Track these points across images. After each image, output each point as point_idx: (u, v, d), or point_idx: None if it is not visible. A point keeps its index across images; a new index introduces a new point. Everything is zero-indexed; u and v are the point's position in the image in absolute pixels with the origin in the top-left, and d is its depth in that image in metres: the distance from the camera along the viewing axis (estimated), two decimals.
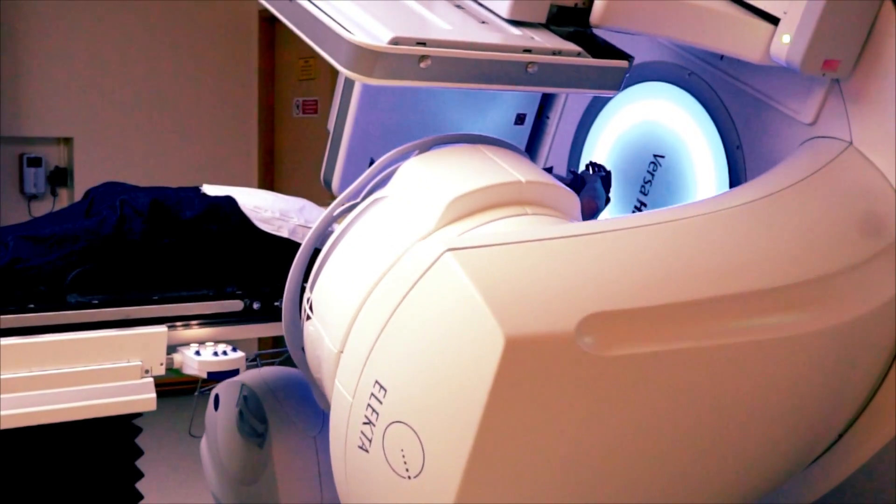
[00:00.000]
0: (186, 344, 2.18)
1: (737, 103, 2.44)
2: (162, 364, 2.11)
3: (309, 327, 2.08)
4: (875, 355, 2.08)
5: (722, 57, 2.43)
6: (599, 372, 1.66)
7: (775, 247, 1.98)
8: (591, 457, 1.71)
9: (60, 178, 5.69)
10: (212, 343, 2.17)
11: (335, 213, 2.13)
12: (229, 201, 2.44)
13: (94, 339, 2.05)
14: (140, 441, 2.35)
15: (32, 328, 2.04)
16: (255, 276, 2.41)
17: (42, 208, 5.51)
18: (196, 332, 2.24)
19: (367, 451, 1.74)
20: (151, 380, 2.07)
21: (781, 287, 1.88)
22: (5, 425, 1.91)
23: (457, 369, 1.61)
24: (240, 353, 2.15)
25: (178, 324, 2.21)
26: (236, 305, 2.29)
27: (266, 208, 2.47)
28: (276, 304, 2.33)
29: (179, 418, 5.06)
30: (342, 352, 1.87)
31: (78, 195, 5.37)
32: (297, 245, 2.32)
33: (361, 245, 2.04)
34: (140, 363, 2.07)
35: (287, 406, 2.58)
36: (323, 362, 2.01)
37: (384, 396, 1.71)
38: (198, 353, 2.13)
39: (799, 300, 1.90)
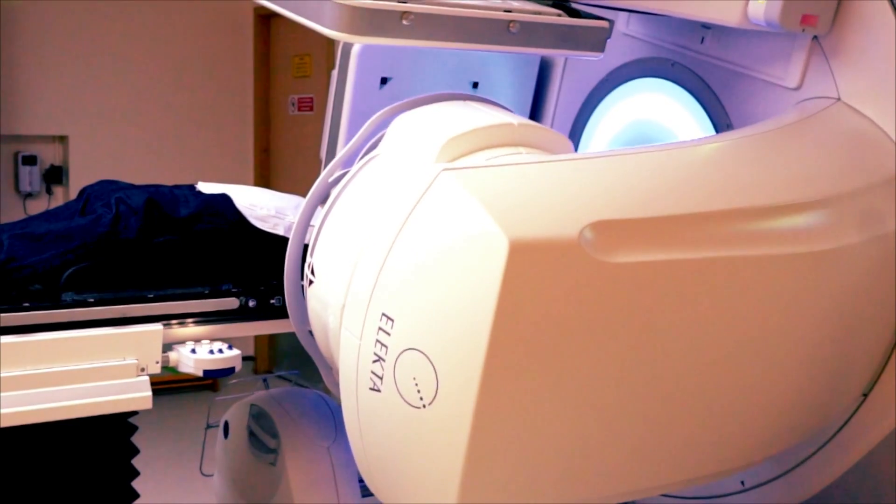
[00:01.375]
0: (182, 342, 2.17)
1: (721, 83, 2.45)
2: (158, 362, 2.10)
3: (312, 294, 2.07)
4: (881, 296, 2.07)
5: (703, 40, 2.44)
6: (606, 278, 1.64)
7: (775, 170, 2.01)
8: (604, 368, 1.69)
9: (55, 176, 5.68)
10: (207, 341, 2.17)
11: (330, 180, 2.14)
12: (225, 199, 2.44)
13: (89, 338, 2.05)
14: (136, 439, 2.35)
15: (27, 327, 2.03)
16: (250, 274, 2.41)
17: (37, 206, 5.50)
18: (192, 330, 2.23)
19: (378, 390, 1.72)
20: (147, 378, 2.07)
21: (783, 205, 1.89)
22: (1, 423, 1.91)
23: (462, 283, 1.59)
24: (236, 351, 2.15)
25: (174, 322, 2.20)
26: (232, 303, 2.29)
27: (262, 206, 2.47)
28: (271, 301, 2.33)
29: (175, 416, 5.08)
30: (346, 305, 1.86)
31: (73, 193, 5.36)
32: None
33: (358, 201, 2.05)
34: (136, 361, 2.06)
35: (298, 419, 2.54)
36: (329, 327, 1.99)
37: (392, 327, 1.69)
38: (193, 350, 2.13)
39: (802, 219, 1.91)
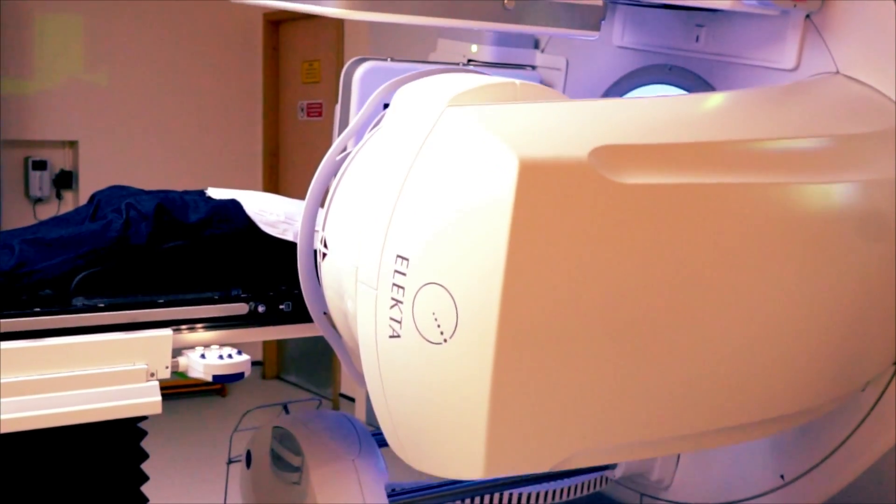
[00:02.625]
0: (192, 347, 2.17)
1: (720, 77, 2.47)
2: (167, 367, 2.10)
3: (326, 269, 2.08)
4: (883, 246, 2.08)
5: (697, 38, 2.46)
6: (618, 199, 1.64)
7: (779, 112, 2.05)
8: (619, 289, 1.69)
9: (65, 181, 5.69)
10: (217, 346, 2.17)
11: (337, 158, 2.18)
12: (234, 205, 2.44)
13: (99, 343, 2.06)
14: (145, 444, 2.35)
15: (38, 332, 2.04)
16: (260, 280, 2.41)
17: (47, 212, 5.51)
18: (201, 335, 2.24)
19: (398, 336, 1.71)
20: (157, 383, 2.07)
21: (787, 137, 1.93)
22: (11, 428, 1.91)
23: (475, 208, 1.59)
24: (245, 357, 2.15)
25: (184, 327, 2.21)
26: (241, 308, 2.29)
27: (271, 211, 2.47)
28: (281, 307, 2.33)
29: (185, 421, 5.08)
30: (360, 260, 1.86)
31: (83, 199, 5.37)
32: None
33: (365, 168, 2.06)
34: (145, 366, 2.07)
35: (322, 435, 2.49)
36: (345, 293, 1.99)
37: (407, 267, 1.68)
38: (203, 356, 2.13)
39: (805, 151, 1.94)
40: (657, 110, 1.91)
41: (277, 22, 6.04)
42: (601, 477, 2.70)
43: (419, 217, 1.70)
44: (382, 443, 2.31)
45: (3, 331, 1.99)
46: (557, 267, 1.61)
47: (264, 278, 2.42)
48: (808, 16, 2.23)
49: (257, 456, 2.62)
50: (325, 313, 2.25)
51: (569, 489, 2.65)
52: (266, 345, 6.12)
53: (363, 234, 1.87)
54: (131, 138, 5.83)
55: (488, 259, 1.55)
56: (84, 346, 2.04)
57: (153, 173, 5.59)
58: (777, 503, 2.40)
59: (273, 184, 6.23)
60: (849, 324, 2.04)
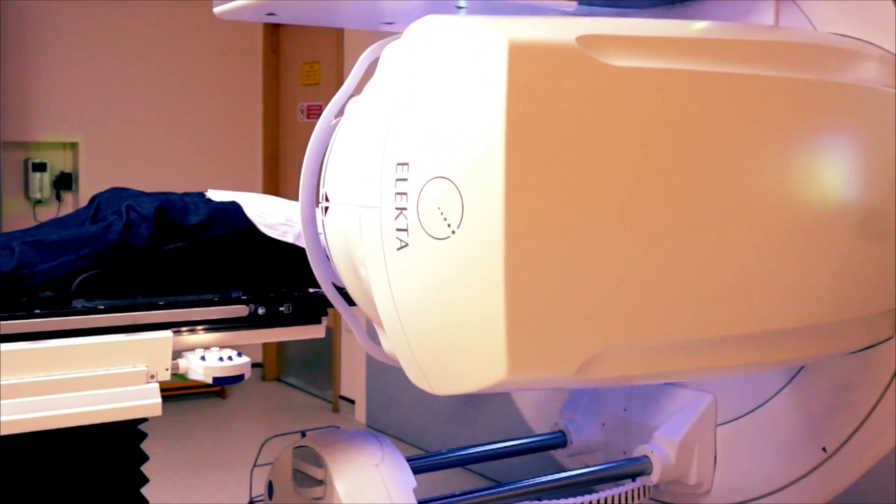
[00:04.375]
0: (192, 349, 2.18)
1: None
2: (167, 369, 2.11)
3: (330, 222, 2.09)
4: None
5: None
6: (609, 80, 1.66)
7: (764, 32, 2.12)
8: (619, 173, 1.70)
9: (65, 183, 5.69)
10: (217, 348, 2.17)
11: (332, 122, 2.21)
12: (235, 207, 2.44)
13: (99, 345, 2.06)
14: (145, 446, 2.35)
15: (38, 333, 2.04)
16: (260, 281, 2.41)
17: (47, 213, 5.51)
18: (201, 337, 2.24)
19: (406, 244, 1.72)
20: (157, 385, 2.07)
21: (774, 40, 2.00)
22: (12, 430, 1.91)
23: (468, 96, 1.61)
24: (245, 359, 2.15)
25: (184, 329, 2.21)
26: (241, 310, 2.29)
27: (271, 213, 2.47)
28: (281, 308, 2.33)
29: (184, 423, 5.08)
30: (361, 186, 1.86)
31: (83, 200, 5.38)
32: (303, 250, 2.32)
33: (359, 120, 2.07)
34: (145, 368, 2.07)
35: (343, 445, 2.42)
36: (351, 236, 1.99)
37: (408, 171, 1.70)
38: (203, 358, 2.13)
39: (790, 51, 1.99)
40: (643, 23, 1.96)
41: (277, 24, 6.04)
42: (641, 487, 2.62)
43: (415, 120, 1.72)
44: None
45: (3, 332, 1.99)
46: (556, 146, 1.63)
47: (264, 280, 2.42)
48: None
49: (279, 483, 2.54)
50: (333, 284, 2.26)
51: (606, 500, 2.58)
52: (266, 346, 6.12)
53: (361, 165, 1.88)
54: (131, 140, 5.83)
55: (487, 141, 1.57)
56: (84, 348, 2.04)
57: (153, 175, 5.59)
58: (822, 480, 2.36)
59: (273, 185, 6.23)
60: (850, 228, 2.05)
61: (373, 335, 2.24)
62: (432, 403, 4.44)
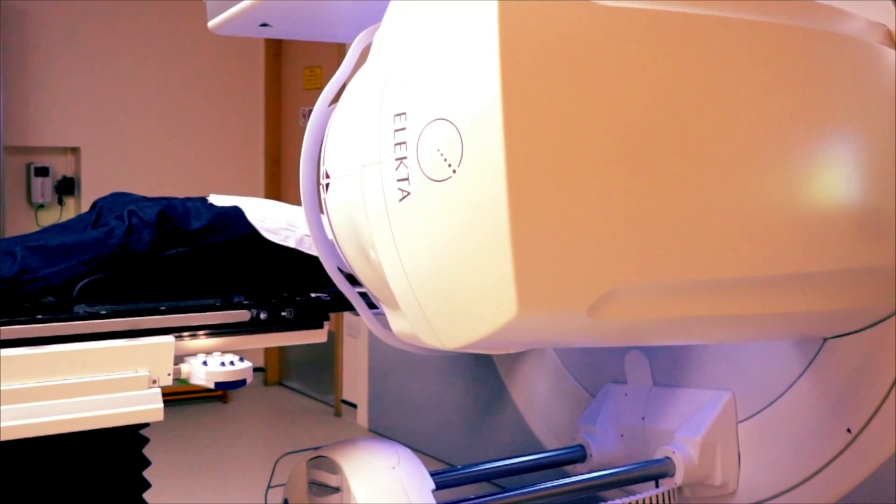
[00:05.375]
0: (194, 354, 2.18)
1: None
2: (169, 374, 2.10)
3: (331, 199, 2.09)
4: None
5: None
6: (604, 22, 1.67)
7: None
8: (619, 110, 1.69)
9: (68, 187, 5.70)
10: (219, 353, 2.17)
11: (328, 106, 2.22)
12: (236, 211, 2.45)
13: (101, 350, 2.06)
14: (147, 451, 2.35)
15: (40, 339, 2.04)
16: (262, 286, 2.41)
17: (49, 218, 5.52)
18: (203, 342, 2.24)
19: (408, 192, 1.72)
20: (159, 390, 2.07)
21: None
22: (13, 435, 1.91)
23: (461, 34, 1.62)
24: (247, 364, 2.15)
25: (186, 334, 2.21)
26: (243, 315, 2.29)
27: (273, 218, 2.48)
28: (283, 313, 2.33)
29: (186, 428, 5.08)
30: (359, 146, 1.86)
31: (85, 205, 5.38)
32: (305, 255, 2.33)
33: (354, 97, 2.09)
34: (147, 373, 2.07)
35: (358, 450, 2.39)
36: (354, 208, 1.99)
37: (406, 119, 1.71)
38: (205, 363, 2.13)
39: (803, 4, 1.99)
40: None
41: None
42: (667, 492, 2.59)
43: (410, 70, 1.72)
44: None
45: (4, 338, 1.99)
46: (553, 78, 1.62)
47: (266, 285, 2.42)
48: None
49: (295, 499, 2.52)
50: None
51: None
52: (268, 351, 6.12)
53: (359, 130, 1.88)
54: (133, 144, 5.84)
55: (482, 76, 1.57)
56: (86, 354, 2.04)
57: (155, 180, 5.60)
58: (850, 462, 2.33)
59: (275, 190, 6.23)
60: (856, 174, 2.04)
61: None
62: (434, 407, 4.43)
